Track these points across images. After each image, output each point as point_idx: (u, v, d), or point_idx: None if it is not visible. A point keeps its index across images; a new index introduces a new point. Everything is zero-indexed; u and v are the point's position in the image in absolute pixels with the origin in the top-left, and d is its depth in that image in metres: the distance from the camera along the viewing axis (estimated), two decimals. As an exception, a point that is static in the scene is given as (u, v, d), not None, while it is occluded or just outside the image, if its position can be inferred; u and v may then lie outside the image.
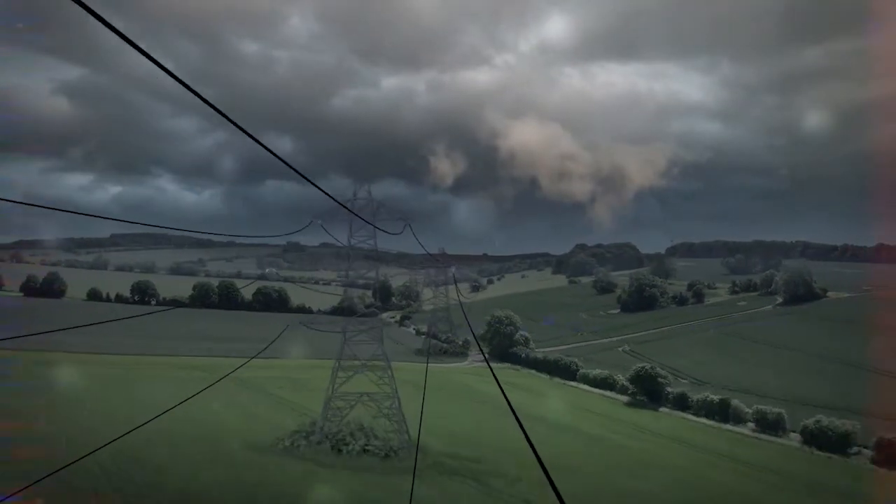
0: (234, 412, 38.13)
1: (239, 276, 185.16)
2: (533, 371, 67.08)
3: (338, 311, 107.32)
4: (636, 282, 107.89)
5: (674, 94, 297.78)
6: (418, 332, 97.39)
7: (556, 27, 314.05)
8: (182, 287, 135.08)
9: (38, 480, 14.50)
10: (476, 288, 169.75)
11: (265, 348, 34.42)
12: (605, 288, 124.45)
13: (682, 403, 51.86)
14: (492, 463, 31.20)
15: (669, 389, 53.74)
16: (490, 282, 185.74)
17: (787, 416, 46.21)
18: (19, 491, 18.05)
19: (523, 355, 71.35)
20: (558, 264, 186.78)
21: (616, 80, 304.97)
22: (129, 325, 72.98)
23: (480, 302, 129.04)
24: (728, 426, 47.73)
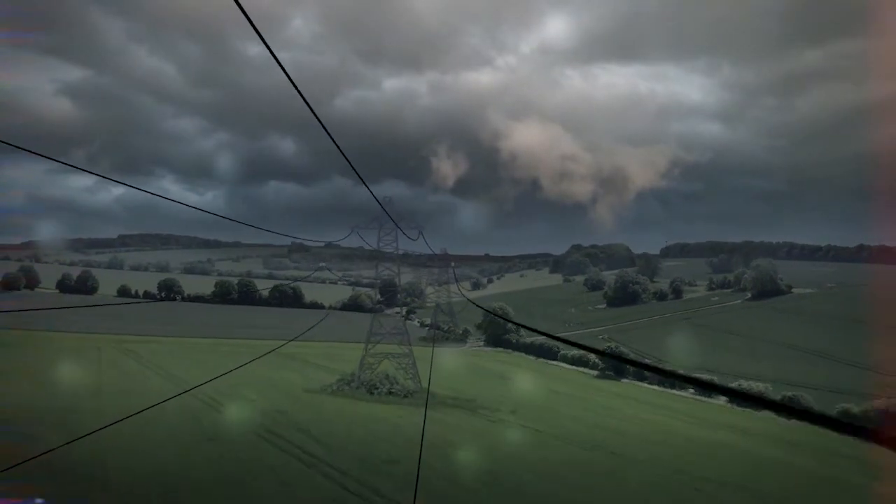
0: (287, 373, 51.70)
1: (249, 274, 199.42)
2: (522, 353, 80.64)
3: (349, 306, 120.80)
4: (621, 279, 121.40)
5: (674, 96, 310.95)
6: (422, 324, 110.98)
7: (558, 29, 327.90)
8: (200, 285, 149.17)
9: (168, 399, 27.87)
10: (477, 286, 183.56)
11: (311, 328, 47.84)
12: (594, 285, 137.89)
13: (639, 375, 65.43)
14: (481, 402, 44.75)
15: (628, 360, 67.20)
16: (490, 280, 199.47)
17: (719, 382, 59.70)
18: (179, 395, 31.77)
19: (514, 340, 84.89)
20: (555, 264, 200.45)
21: (617, 81, 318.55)
22: (176, 315, 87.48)
23: (480, 298, 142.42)
24: (672, 391, 61.28)
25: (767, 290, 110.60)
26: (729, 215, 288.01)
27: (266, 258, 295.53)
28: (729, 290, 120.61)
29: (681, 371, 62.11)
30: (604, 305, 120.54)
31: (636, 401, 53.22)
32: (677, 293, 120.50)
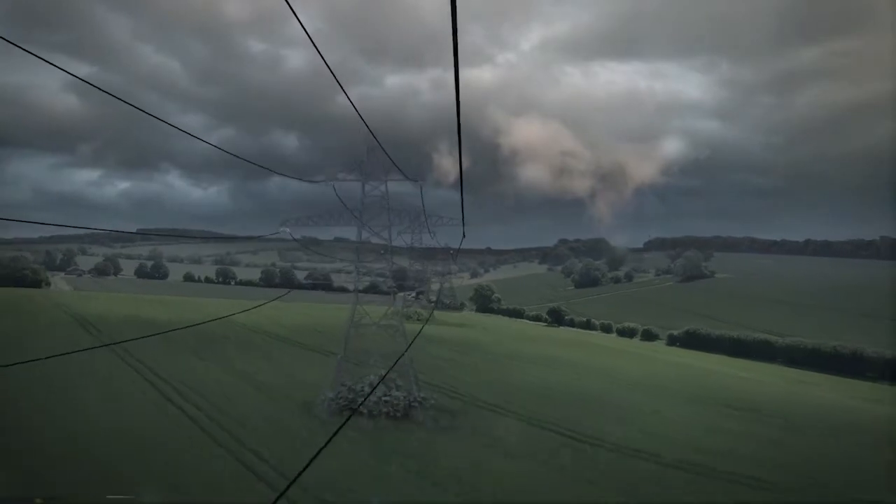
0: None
1: (275, 265, 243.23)
2: (500, 316, 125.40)
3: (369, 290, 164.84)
4: (585, 267, 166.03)
5: (673, 93, 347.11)
6: (429, 301, 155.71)
7: (558, 26, 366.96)
8: (245, 272, 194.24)
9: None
10: (475, 275, 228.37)
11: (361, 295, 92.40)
12: (568, 272, 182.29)
13: (571, 323, 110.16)
14: (467, 325, 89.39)
15: (566, 317, 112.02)
16: (486, 270, 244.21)
17: (613, 325, 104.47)
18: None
19: (496, 308, 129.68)
20: (543, 256, 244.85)
21: (616, 78, 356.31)
22: (253, 293, 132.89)
23: (476, 284, 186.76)
24: (590, 331, 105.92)
25: (694, 274, 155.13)
26: (726, 211, 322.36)
27: (281, 251, 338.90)
28: (669, 276, 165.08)
29: (593, 320, 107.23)
30: (572, 287, 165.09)
31: (571, 335, 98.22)
32: (629, 278, 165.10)
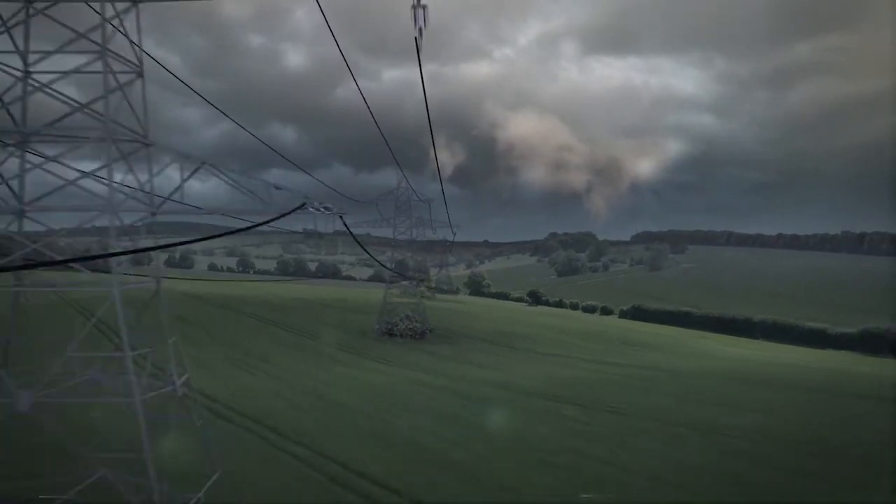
0: (376, 295, 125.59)
1: (281, 257, 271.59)
2: (489, 299, 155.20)
3: (373, 278, 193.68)
4: (566, 258, 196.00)
5: (668, 88, 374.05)
6: (428, 288, 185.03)
7: (554, 22, 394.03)
8: (258, 263, 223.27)
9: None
10: (470, 266, 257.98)
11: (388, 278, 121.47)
12: (553, 263, 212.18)
13: (547, 302, 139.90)
14: (464, 303, 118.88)
15: (544, 298, 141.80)
16: (482, 262, 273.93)
17: (580, 304, 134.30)
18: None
19: (485, 292, 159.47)
20: (535, 249, 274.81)
21: (613, 73, 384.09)
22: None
23: (471, 273, 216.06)
24: (560, 309, 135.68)
25: (660, 265, 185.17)
26: (717, 207, 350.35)
27: (284, 244, 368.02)
28: (641, 265, 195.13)
29: (565, 299, 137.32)
30: (554, 276, 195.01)
31: (549, 309, 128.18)
32: (606, 267, 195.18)
